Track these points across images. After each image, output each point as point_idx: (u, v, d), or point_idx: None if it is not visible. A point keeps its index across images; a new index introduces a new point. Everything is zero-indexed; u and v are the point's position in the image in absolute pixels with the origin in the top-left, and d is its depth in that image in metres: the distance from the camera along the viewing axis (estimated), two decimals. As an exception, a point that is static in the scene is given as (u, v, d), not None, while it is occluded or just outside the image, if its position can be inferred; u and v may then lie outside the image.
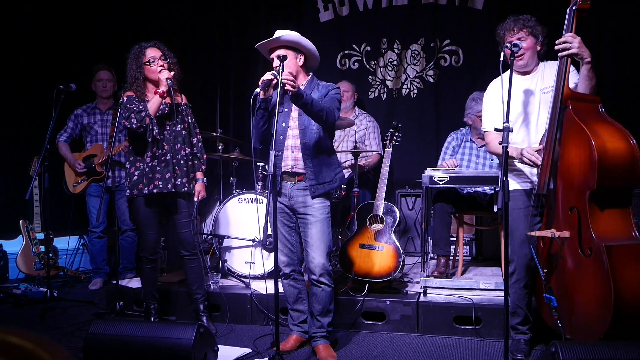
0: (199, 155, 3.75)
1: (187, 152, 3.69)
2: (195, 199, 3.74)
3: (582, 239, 2.76)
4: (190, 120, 3.74)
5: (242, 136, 6.01)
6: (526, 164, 2.99)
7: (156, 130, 3.52)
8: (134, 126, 3.47)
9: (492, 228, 4.78)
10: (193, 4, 6.18)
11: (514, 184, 3.18)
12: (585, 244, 2.75)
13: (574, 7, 2.85)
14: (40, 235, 5.30)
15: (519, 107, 3.13)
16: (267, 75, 2.98)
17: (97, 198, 5.08)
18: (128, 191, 3.60)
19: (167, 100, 3.56)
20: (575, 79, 2.96)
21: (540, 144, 3.02)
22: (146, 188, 3.58)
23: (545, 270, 2.97)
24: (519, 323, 3.27)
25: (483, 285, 3.91)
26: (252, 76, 5.93)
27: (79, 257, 5.81)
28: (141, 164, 3.60)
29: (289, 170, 3.24)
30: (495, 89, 3.24)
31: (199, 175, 3.79)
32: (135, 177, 3.60)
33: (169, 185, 3.58)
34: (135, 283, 4.49)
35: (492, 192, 4.34)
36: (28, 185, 4.56)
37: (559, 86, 2.86)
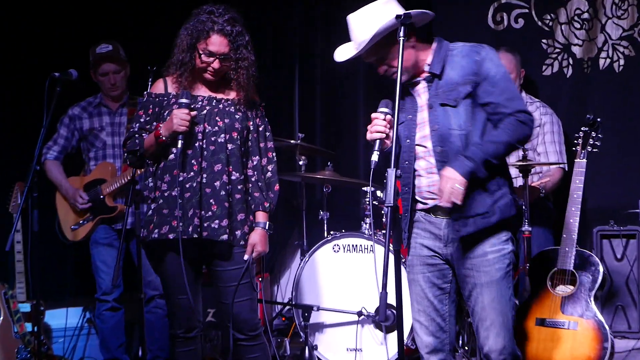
0: (261, 185, 3.80)
1: (234, 178, 3.73)
2: (246, 256, 3.74)
3: None
4: (251, 128, 3.82)
5: (336, 144, 6.17)
6: None
7: (180, 146, 3.60)
8: (127, 162, 3.80)
9: None
10: None
11: None
12: None
13: None
14: (26, 307, 5.21)
15: None
16: (377, 125, 3.08)
17: (108, 248, 5.04)
18: (143, 230, 3.78)
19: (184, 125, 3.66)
20: None
21: None
22: (157, 230, 3.67)
23: None
24: None
25: None
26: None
27: (82, 340, 5.63)
28: (158, 193, 3.73)
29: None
30: None
31: (260, 217, 3.81)
32: (150, 212, 3.75)
33: (190, 229, 3.64)
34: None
35: None
36: (6, 229, 4.70)
37: None
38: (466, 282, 3.30)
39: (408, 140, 3.28)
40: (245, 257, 3.74)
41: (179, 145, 3.60)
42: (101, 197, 4.97)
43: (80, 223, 5.04)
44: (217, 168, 3.69)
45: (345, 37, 6.52)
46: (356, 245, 4.67)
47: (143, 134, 3.72)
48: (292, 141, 5.17)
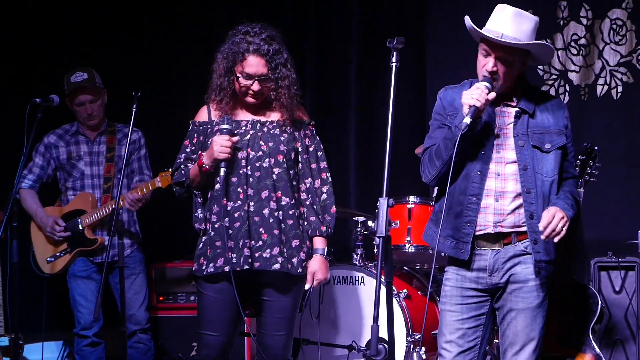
0: (317, 208, 3.78)
1: (284, 204, 3.71)
2: (308, 285, 3.75)
3: None
4: (299, 149, 3.80)
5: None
6: None
7: (223, 174, 3.62)
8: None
9: None
10: None
11: None
12: None
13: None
14: (4, 341, 5.03)
15: None
16: (478, 93, 3.14)
17: (87, 282, 4.99)
18: (194, 265, 3.79)
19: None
20: None
21: None
22: (211, 265, 3.66)
23: None
24: None
25: None
26: (341, 71, 6.21)
27: (63, 376, 5.83)
28: (209, 225, 3.73)
29: (489, 231, 3.33)
30: None
31: (318, 243, 3.79)
32: (201, 245, 3.76)
33: (241, 260, 3.62)
34: None
35: None
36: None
37: None
38: (503, 307, 3.36)
39: (483, 152, 3.32)
40: (307, 286, 3.74)
41: (222, 173, 3.61)
42: (80, 228, 4.92)
43: (57, 255, 4.96)
44: (264, 195, 3.67)
45: (335, 64, 6.41)
46: (347, 277, 4.67)
47: (189, 164, 3.74)
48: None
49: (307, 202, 3.79)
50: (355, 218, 4.92)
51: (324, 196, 3.83)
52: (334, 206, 3.81)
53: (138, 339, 4.96)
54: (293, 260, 3.69)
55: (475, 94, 3.13)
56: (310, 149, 3.83)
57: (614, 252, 5.18)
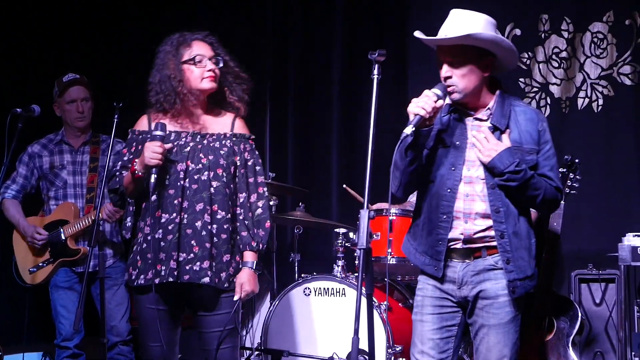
0: (248, 223, 3.74)
1: (220, 217, 3.68)
2: (236, 297, 3.70)
3: None
4: (238, 163, 3.76)
5: (309, 183, 6.07)
6: None
7: (153, 181, 3.56)
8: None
9: None
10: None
11: None
12: None
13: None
14: None
15: None
16: (424, 101, 3.09)
17: (69, 292, 4.92)
18: (126, 273, 3.80)
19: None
20: None
21: None
22: (142, 276, 3.64)
23: None
24: None
25: None
26: (324, 83, 6.28)
27: (42, 387, 5.69)
28: (140, 235, 3.72)
29: (458, 246, 3.31)
30: None
31: (248, 257, 3.75)
32: (132, 254, 3.75)
33: (175, 273, 3.58)
34: None
35: None
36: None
37: None
38: (475, 322, 3.35)
39: (453, 169, 3.30)
40: (235, 297, 3.70)
41: (152, 180, 3.55)
42: (63, 239, 4.89)
43: (40, 265, 4.93)
44: (199, 207, 3.64)
45: (318, 76, 6.48)
46: (328, 289, 4.64)
47: (123, 172, 3.69)
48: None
49: (240, 217, 3.76)
50: (337, 230, 4.91)
51: (259, 211, 3.78)
52: (268, 221, 3.78)
53: (119, 351, 4.92)
54: (221, 274, 3.67)
55: (421, 102, 3.09)
56: (249, 163, 3.80)
57: (595, 264, 5.21)
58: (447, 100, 3.23)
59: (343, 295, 4.57)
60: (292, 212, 5.23)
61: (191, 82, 3.69)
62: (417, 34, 3.31)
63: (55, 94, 5.03)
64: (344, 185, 5.07)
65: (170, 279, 3.59)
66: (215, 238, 3.65)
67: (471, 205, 3.27)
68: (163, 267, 3.62)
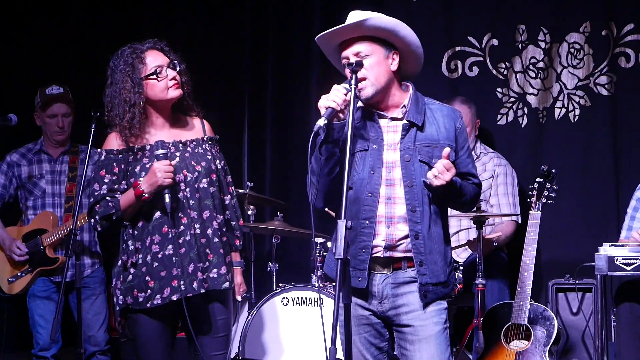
0: (235, 224, 3.79)
1: (220, 221, 3.69)
2: (239, 297, 3.82)
3: None
4: (218, 166, 3.77)
5: (287, 194, 6.13)
6: None
7: (168, 200, 3.50)
8: (98, 229, 3.60)
9: None
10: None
11: None
12: None
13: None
14: None
15: None
16: (334, 94, 3.08)
17: (47, 302, 4.93)
18: (120, 297, 3.62)
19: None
20: None
21: None
22: (158, 295, 3.54)
23: None
24: None
25: None
26: (303, 92, 6.22)
27: (18, 399, 5.65)
28: (140, 255, 3.58)
29: (379, 254, 3.23)
30: None
31: (236, 256, 3.82)
32: (131, 277, 3.59)
33: (195, 285, 3.54)
34: None
35: None
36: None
37: None
38: (403, 339, 3.28)
39: (373, 172, 3.25)
40: (238, 297, 3.77)
41: (167, 200, 3.51)
42: (41, 248, 4.87)
43: (18, 275, 4.91)
44: (206, 215, 3.62)
45: (294, 84, 6.45)
46: (305, 298, 4.66)
47: (117, 195, 3.59)
48: (240, 190, 5.09)
49: (228, 218, 3.77)
50: (315, 239, 4.88)
51: (235, 209, 3.80)
52: (241, 219, 3.83)
53: (97, 362, 4.99)
54: (228, 276, 3.66)
55: (331, 96, 3.07)
56: (222, 164, 3.80)
57: (571, 273, 5.20)
58: (359, 104, 3.19)
59: (321, 305, 4.48)
60: (271, 222, 5.23)
61: (157, 94, 3.65)
62: (318, 40, 3.30)
63: (37, 104, 4.99)
64: (326, 209, 5.12)
65: (202, 290, 3.54)
66: (221, 245, 3.64)
67: (392, 208, 3.22)
68: (181, 282, 3.55)
